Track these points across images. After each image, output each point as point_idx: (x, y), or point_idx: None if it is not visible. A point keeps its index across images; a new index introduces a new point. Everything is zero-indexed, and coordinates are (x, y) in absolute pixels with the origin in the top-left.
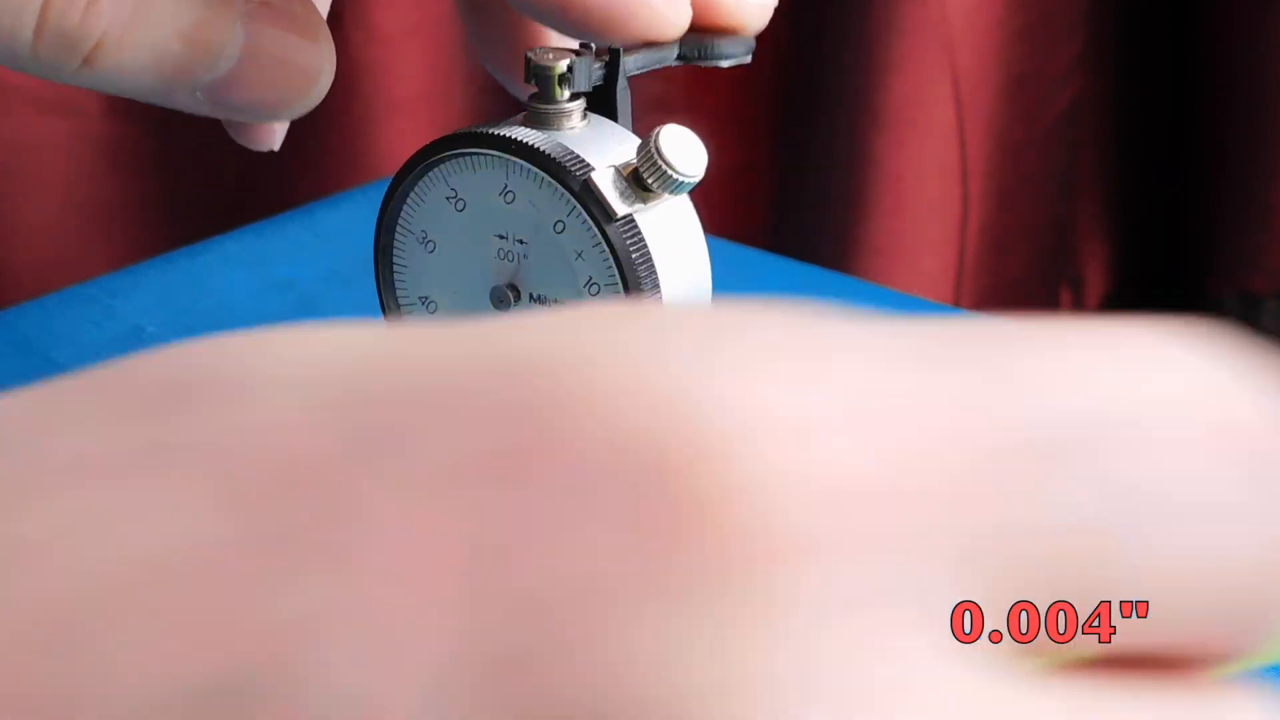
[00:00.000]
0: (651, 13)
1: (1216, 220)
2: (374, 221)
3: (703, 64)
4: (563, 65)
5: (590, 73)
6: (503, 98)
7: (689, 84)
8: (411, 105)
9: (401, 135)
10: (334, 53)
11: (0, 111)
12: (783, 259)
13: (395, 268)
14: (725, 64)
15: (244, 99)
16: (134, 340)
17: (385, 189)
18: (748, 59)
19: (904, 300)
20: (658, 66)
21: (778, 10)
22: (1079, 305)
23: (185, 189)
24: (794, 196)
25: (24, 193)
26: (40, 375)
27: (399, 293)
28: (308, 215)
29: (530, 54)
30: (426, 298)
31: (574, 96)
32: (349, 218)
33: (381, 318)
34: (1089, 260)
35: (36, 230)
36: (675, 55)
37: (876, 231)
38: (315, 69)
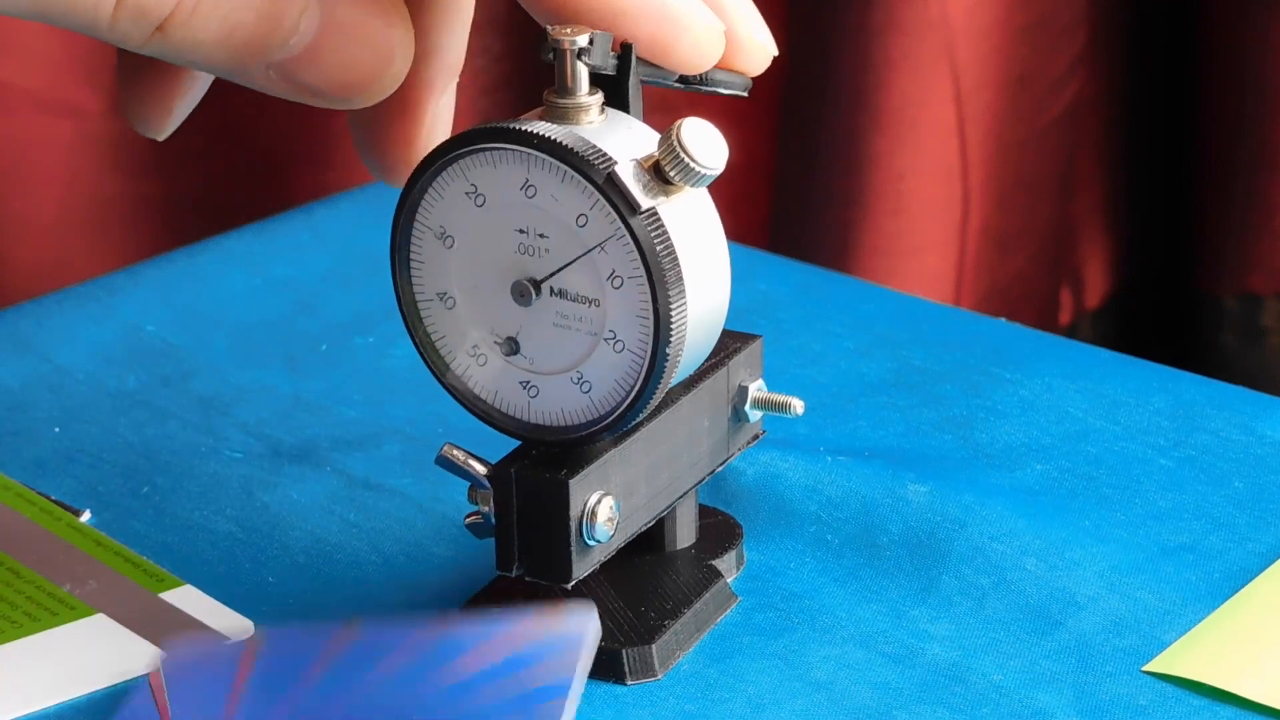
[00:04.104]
0: (694, 43)
1: (1216, 220)
2: (374, 221)
3: (701, 89)
4: (582, 40)
5: (607, 50)
6: (503, 98)
7: None
8: None
9: None
10: (411, 36)
11: (0, 111)
12: (783, 259)
13: (412, 264)
14: (724, 92)
15: (317, 78)
16: (134, 339)
17: (385, 189)
18: (744, 93)
19: (904, 300)
20: (658, 84)
21: (778, 10)
22: (1079, 305)
23: (185, 189)
24: (794, 196)
25: (24, 193)
26: (40, 375)
27: (416, 289)
28: (308, 215)
29: (549, 29)
30: (444, 293)
31: (593, 89)
32: (349, 218)
33: (392, 314)
34: (1089, 260)
35: (36, 230)
36: (676, 77)
37: (876, 231)
38: (390, 51)
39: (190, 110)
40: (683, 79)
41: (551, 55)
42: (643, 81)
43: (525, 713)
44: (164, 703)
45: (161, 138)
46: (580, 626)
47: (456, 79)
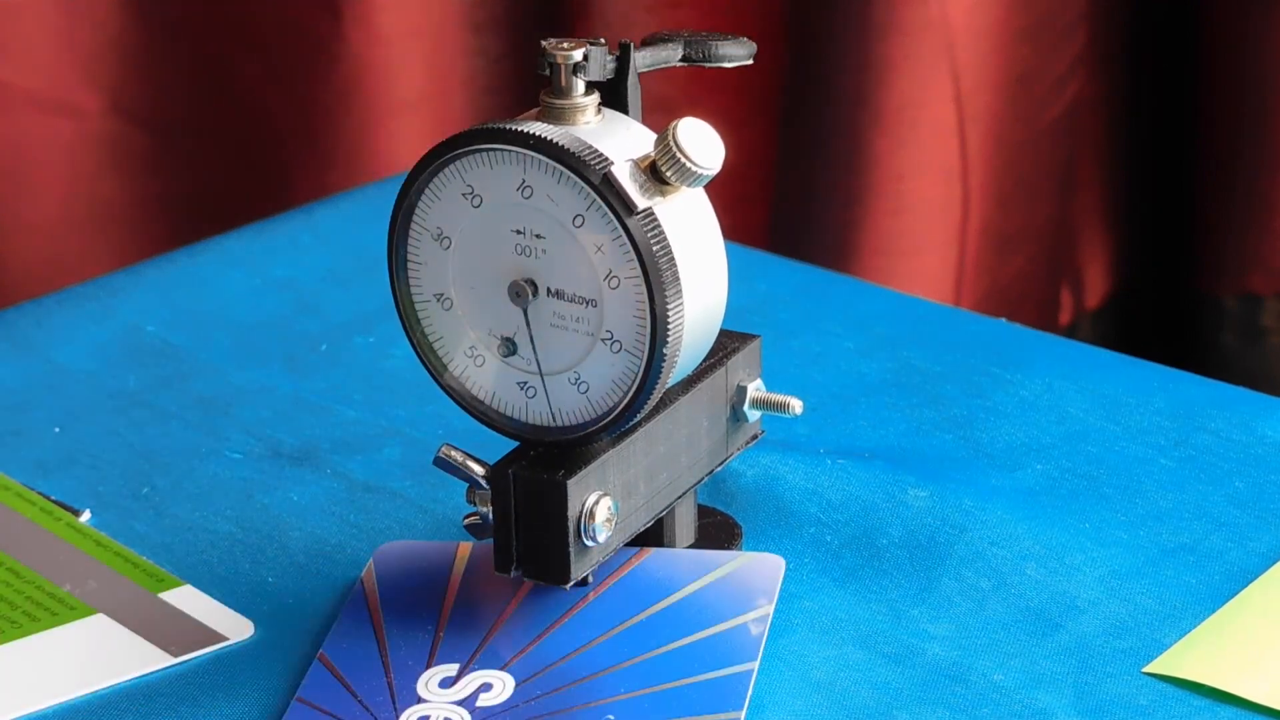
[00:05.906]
0: None
1: (1216, 220)
2: (374, 221)
3: (706, 65)
4: (578, 54)
5: (604, 62)
6: (503, 99)
7: (690, 84)
8: (412, 106)
9: (401, 135)
10: None
11: (0, 111)
12: (783, 259)
13: (410, 265)
14: (729, 64)
15: None
16: (133, 339)
17: (385, 189)
18: (749, 60)
19: (904, 300)
20: (664, 66)
21: (778, 10)
22: (1079, 305)
23: (185, 189)
24: (794, 196)
25: (24, 193)
26: (40, 375)
27: (413, 290)
28: (307, 215)
29: (545, 43)
30: (442, 294)
31: (589, 90)
32: (348, 218)
33: (384, 315)
34: (1089, 260)
35: (36, 230)
36: (680, 55)
37: (876, 231)
38: None
39: None
40: (686, 57)
41: (548, 70)
42: (647, 68)
43: (730, 623)
44: (376, 605)
45: None
46: (774, 563)
47: None
